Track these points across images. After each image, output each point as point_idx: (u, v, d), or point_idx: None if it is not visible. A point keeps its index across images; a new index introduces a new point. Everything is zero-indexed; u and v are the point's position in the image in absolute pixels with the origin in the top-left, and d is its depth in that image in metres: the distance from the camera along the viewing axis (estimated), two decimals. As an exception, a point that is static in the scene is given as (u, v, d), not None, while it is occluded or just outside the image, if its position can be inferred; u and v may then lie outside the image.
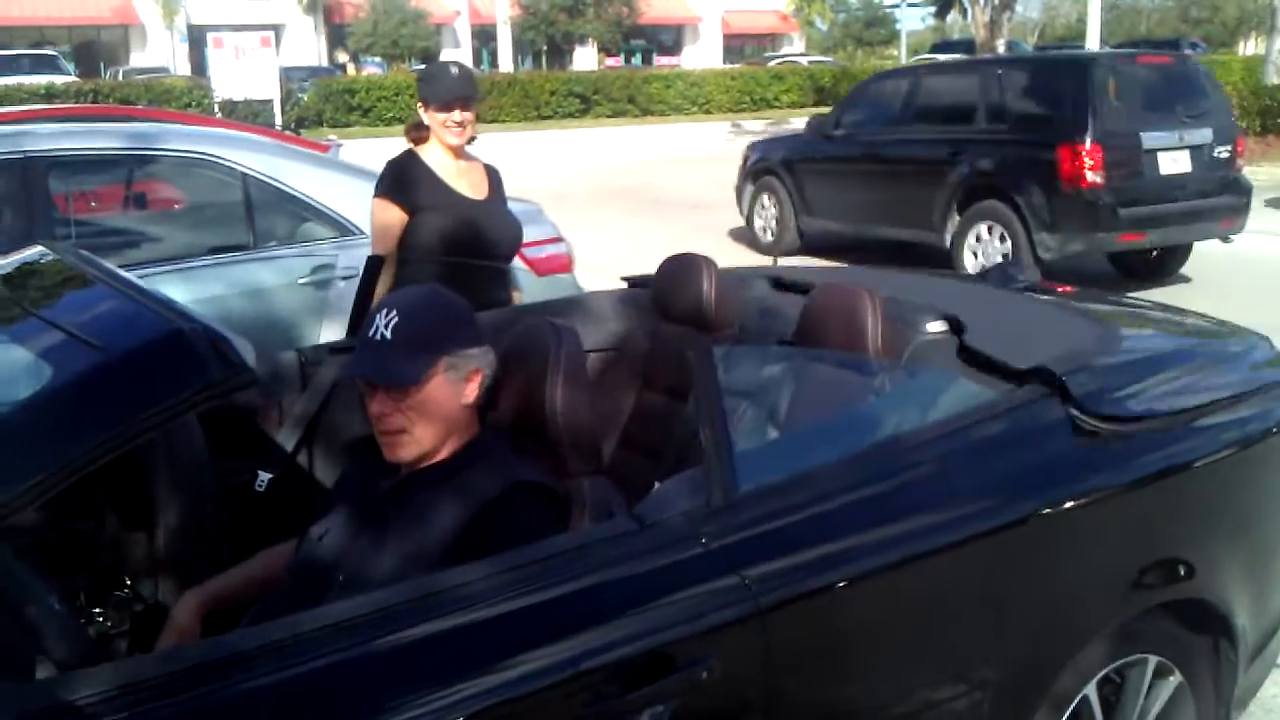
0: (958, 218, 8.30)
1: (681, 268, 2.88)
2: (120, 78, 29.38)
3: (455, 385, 1.91)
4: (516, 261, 3.65)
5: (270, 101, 21.53)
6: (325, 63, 40.41)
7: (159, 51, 39.81)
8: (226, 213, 4.49)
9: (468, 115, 3.27)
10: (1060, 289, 3.32)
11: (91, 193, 4.86)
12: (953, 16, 28.37)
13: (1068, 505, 2.03)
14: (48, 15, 39.31)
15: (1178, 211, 7.93)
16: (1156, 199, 7.84)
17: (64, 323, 1.81)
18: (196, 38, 34.49)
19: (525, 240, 3.61)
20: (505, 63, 36.79)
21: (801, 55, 43.45)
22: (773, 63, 37.79)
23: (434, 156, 3.34)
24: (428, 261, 3.24)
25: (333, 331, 4.13)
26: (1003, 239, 7.99)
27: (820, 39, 49.61)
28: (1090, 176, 7.56)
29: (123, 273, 2.00)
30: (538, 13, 42.90)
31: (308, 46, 42.04)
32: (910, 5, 38.79)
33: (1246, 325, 2.81)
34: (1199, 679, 2.31)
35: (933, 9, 26.60)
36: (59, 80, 23.95)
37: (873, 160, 9.28)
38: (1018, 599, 2.02)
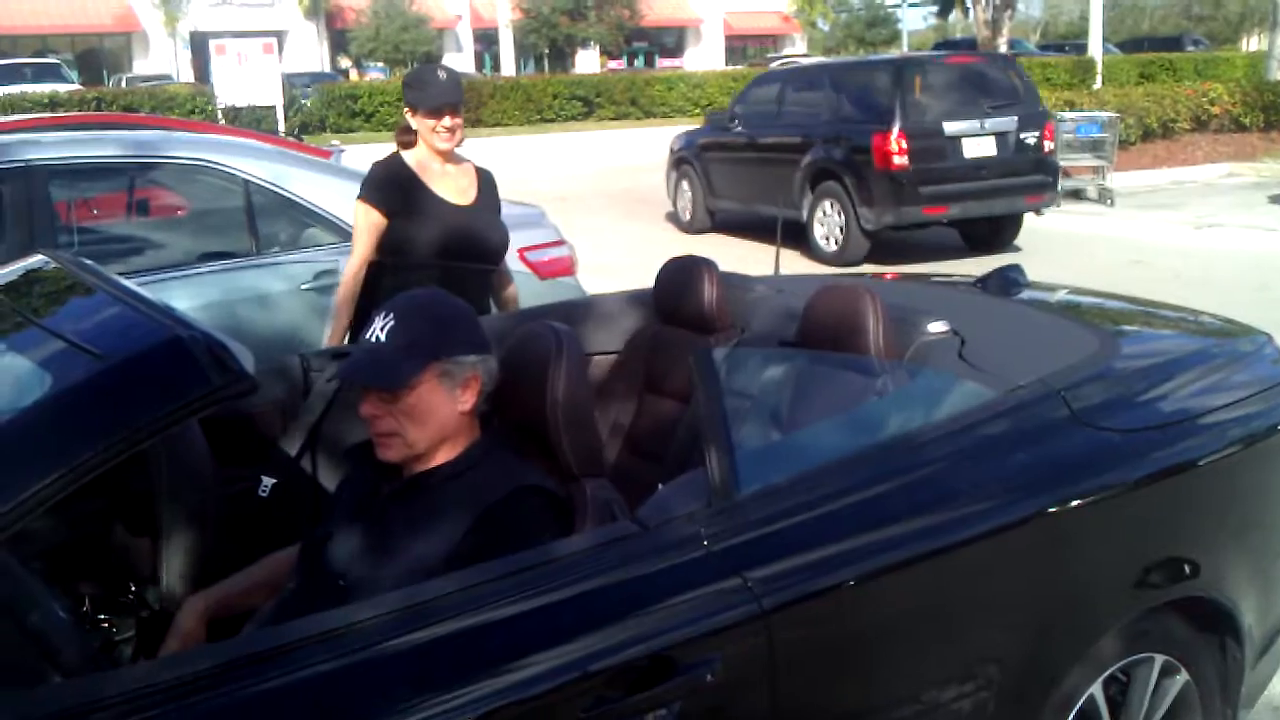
0: (810, 196, 9.73)
1: (683, 271, 2.88)
2: (124, 85, 29.49)
3: (449, 391, 1.89)
4: (518, 265, 3.64)
5: (273, 108, 21.60)
6: (328, 68, 40.39)
7: (162, 59, 39.90)
8: (229, 219, 4.49)
9: (457, 120, 3.26)
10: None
11: (94, 200, 4.87)
12: (955, 16, 28.34)
13: (1072, 504, 2.02)
14: (50, 23, 39.40)
15: (976, 189, 9.27)
16: (958, 178, 9.24)
17: (64, 331, 1.81)
18: (199, 45, 34.49)
19: (528, 244, 3.60)
20: (507, 66, 36.77)
21: (803, 56, 43.39)
22: (775, 64, 37.67)
23: (419, 161, 3.33)
24: (406, 266, 3.23)
25: (335, 337, 4.12)
26: (840, 214, 9.43)
27: (822, 39, 49.53)
28: (897, 160, 8.98)
29: (123, 280, 2.00)
30: (539, 16, 42.95)
31: (310, 52, 42.07)
32: (912, 5, 38.64)
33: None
34: (1205, 677, 2.30)
35: (934, 8, 26.59)
36: (63, 89, 24.04)
37: (755, 149, 10.70)
38: (1022, 598, 2.01)
